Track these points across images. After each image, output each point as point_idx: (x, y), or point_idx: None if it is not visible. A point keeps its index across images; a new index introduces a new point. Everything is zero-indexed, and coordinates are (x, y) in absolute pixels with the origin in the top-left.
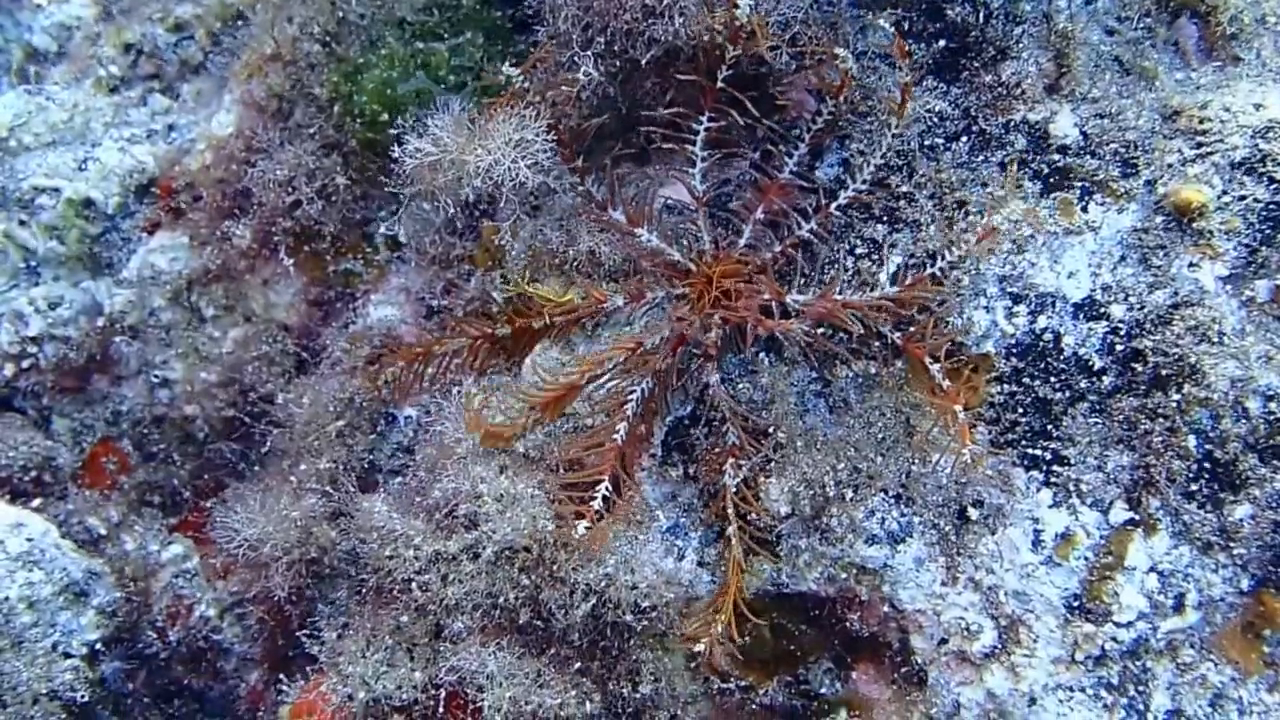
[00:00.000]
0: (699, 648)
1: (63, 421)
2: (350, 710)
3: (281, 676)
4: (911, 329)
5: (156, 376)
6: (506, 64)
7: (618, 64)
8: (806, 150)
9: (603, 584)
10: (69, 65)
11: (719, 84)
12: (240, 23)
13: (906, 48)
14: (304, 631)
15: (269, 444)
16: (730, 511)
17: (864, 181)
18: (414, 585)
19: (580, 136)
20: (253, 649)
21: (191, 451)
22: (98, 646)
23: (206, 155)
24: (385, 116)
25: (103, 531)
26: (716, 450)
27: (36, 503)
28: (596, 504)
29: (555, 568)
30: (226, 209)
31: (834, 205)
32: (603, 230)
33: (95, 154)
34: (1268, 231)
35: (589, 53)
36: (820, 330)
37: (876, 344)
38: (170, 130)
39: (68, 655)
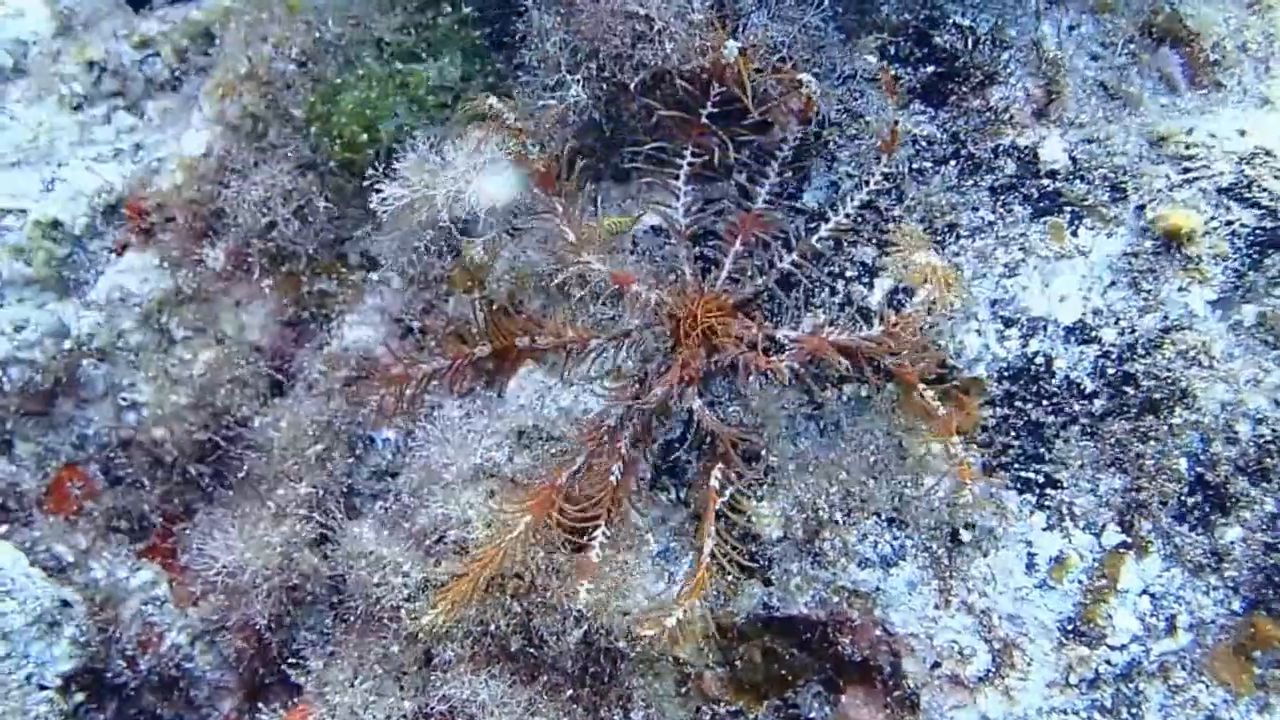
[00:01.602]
0: (646, 632)
1: (26, 446)
2: None
3: (260, 706)
4: (902, 352)
5: (124, 399)
6: (491, 98)
7: (604, 88)
8: (777, 180)
9: (594, 610)
10: (29, 82)
11: (704, 118)
12: (207, 40)
13: (894, 80)
14: (289, 660)
15: (245, 468)
16: (710, 513)
17: (846, 215)
18: (403, 612)
19: (566, 163)
20: (226, 676)
21: (160, 476)
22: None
23: (178, 175)
24: (364, 137)
25: (70, 559)
26: (706, 469)
27: (2, 530)
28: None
29: (547, 594)
30: (199, 230)
31: (815, 238)
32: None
33: (62, 174)
34: (1255, 256)
35: (577, 76)
36: (810, 364)
37: (868, 368)
38: (137, 149)
39: (42, 687)
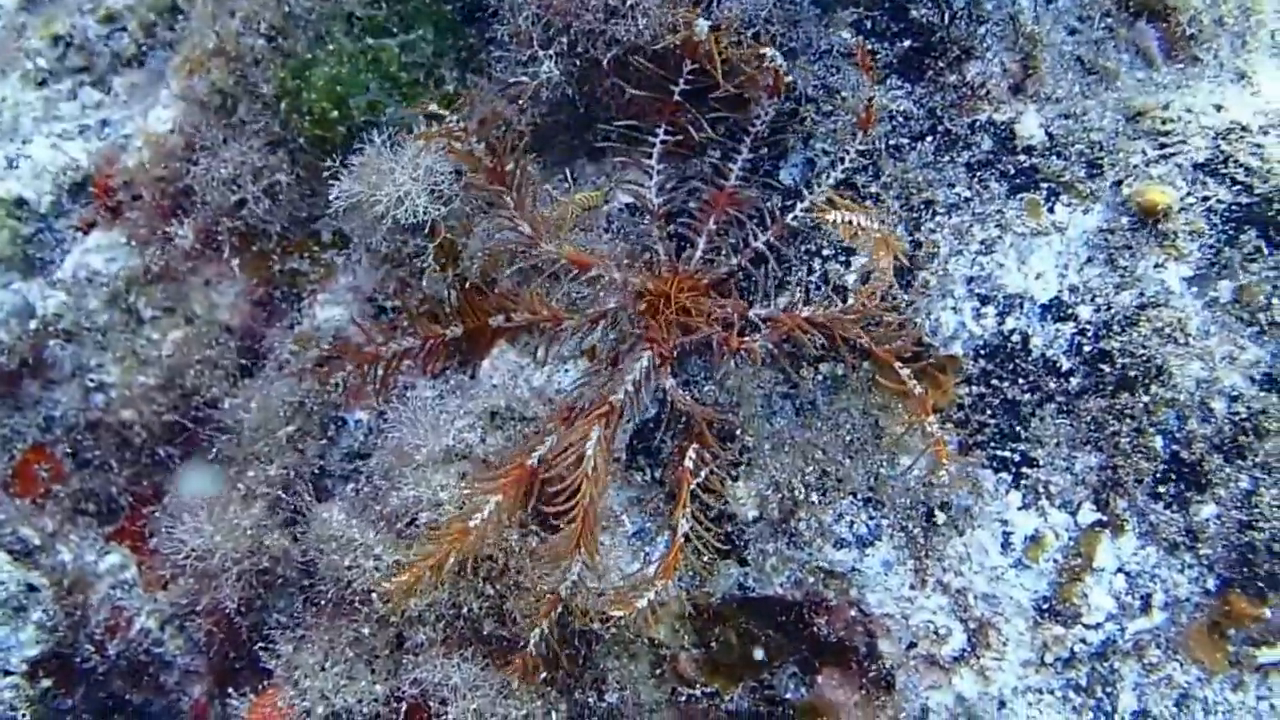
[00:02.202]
0: (617, 612)
1: None
2: None
3: (230, 690)
4: (878, 330)
5: (92, 381)
6: (432, 104)
7: (577, 63)
8: (750, 157)
9: (569, 592)
10: None
11: (676, 96)
12: (175, 15)
13: (870, 56)
14: (259, 645)
15: (215, 450)
16: (684, 493)
17: (822, 193)
18: (374, 596)
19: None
20: (196, 661)
21: (129, 458)
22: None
23: (145, 152)
24: (335, 114)
25: (37, 542)
26: (681, 449)
27: None
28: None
29: (520, 577)
30: (167, 208)
31: (789, 217)
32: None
33: (26, 151)
34: (1230, 233)
35: (549, 51)
36: (785, 344)
37: (843, 346)
38: (104, 126)
39: (7, 672)
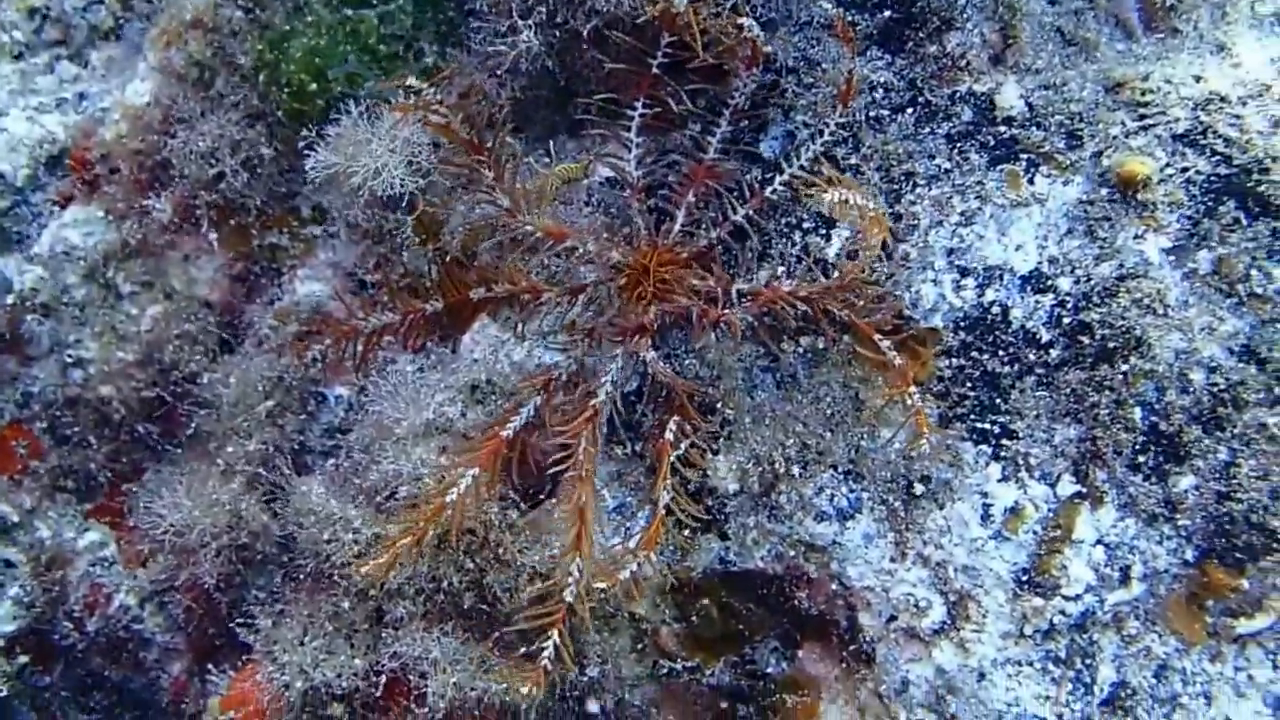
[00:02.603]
0: (600, 584)
1: None
2: (287, 699)
3: (209, 667)
4: (859, 303)
5: (70, 356)
6: (410, 78)
7: (557, 35)
8: (729, 130)
9: (549, 566)
10: None
11: (654, 69)
12: None
13: (849, 28)
14: (237, 620)
15: (194, 426)
16: (665, 466)
17: (801, 167)
18: (353, 569)
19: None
20: (176, 638)
21: (108, 434)
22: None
23: (122, 125)
24: (314, 86)
25: (15, 519)
26: (661, 422)
27: None
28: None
29: (500, 550)
30: (145, 182)
31: (769, 190)
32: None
33: (2, 124)
34: (1209, 204)
35: (529, 22)
36: (766, 317)
37: (824, 320)
38: (81, 99)
39: None
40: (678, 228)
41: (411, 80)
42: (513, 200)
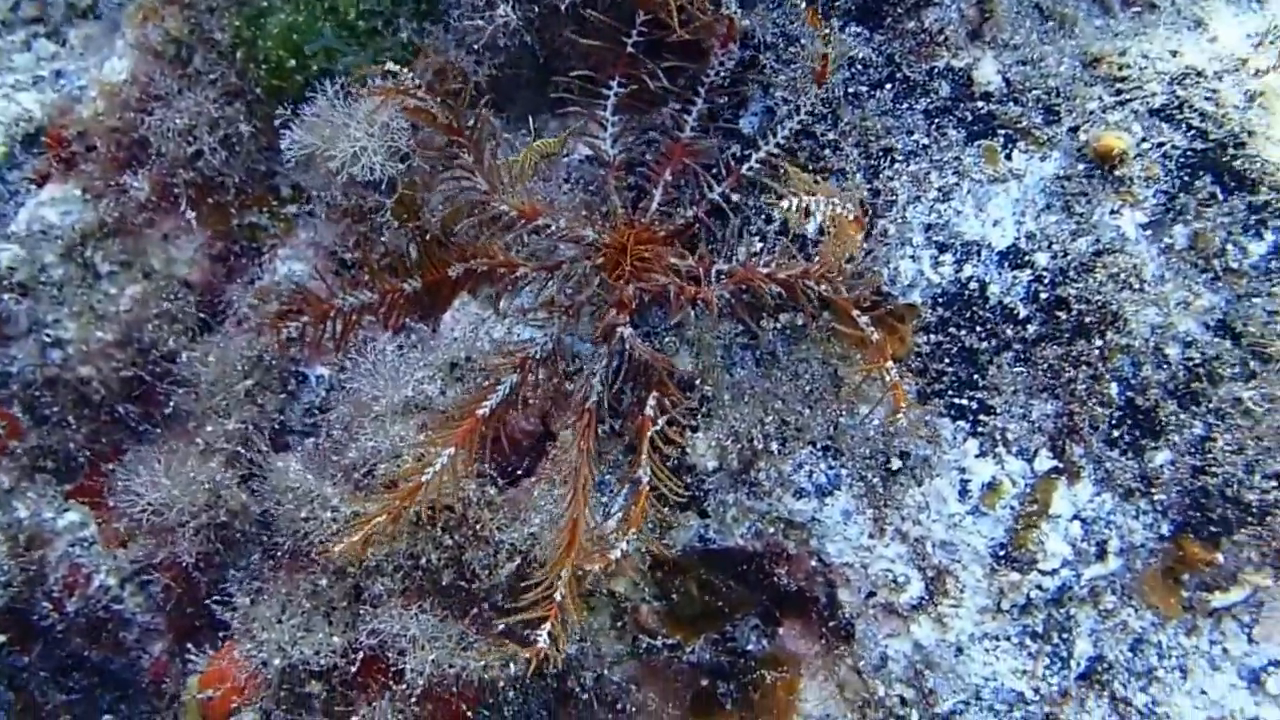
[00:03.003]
0: (592, 566)
1: None
2: (265, 677)
3: (189, 647)
4: (837, 279)
5: (48, 336)
6: (390, 64)
7: (535, 10)
8: (705, 107)
9: (528, 543)
10: None
11: (629, 48)
12: None
13: (817, 14)
14: (214, 598)
15: (172, 405)
16: (645, 442)
17: (778, 145)
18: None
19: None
20: (156, 619)
21: (87, 414)
22: None
23: (99, 103)
24: (292, 63)
25: None
26: (640, 399)
27: None
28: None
29: (479, 527)
30: (122, 160)
31: (745, 168)
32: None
33: None
34: (1185, 178)
35: None
36: (744, 294)
37: (802, 297)
38: (58, 77)
39: None
40: (655, 206)
41: (391, 66)
42: (490, 182)
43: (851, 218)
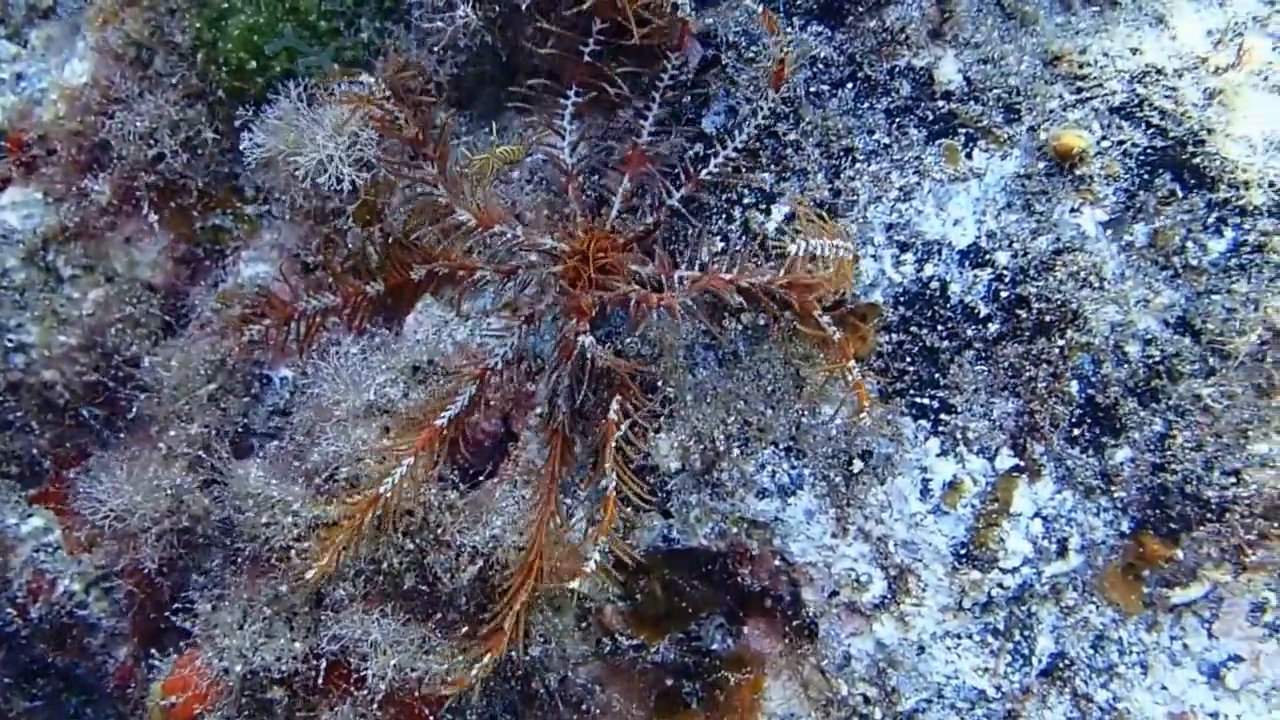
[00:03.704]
0: (573, 585)
1: None
2: (226, 684)
3: (153, 652)
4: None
5: (11, 341)
6: (363, 74)
7: (497, 9)
8: (662, 112)
9: (490, 546)
10: None
11: (587, 57)
12: None
13: (774, 18)
14: (175, 606)
15: (135, 410)
16: (610, 446)
17: (736, 150)
18: (293, 553)
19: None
20: (121, 624)
21: (51, 419)
22: None
23: (60, 106)
24: (253, 64)
25: None
26: (603, 403)
27: None
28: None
29: (440, 531)
30: (83, 163)
31: (704, 172)
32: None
33: None
34: (1145, 176)
35: None
36: (706, 295)
37: (764, 298)
38: (19, 79)
39: None
40: (615, 212)
41: (364, 76)
42: (451, 193)
43: (851, 257)
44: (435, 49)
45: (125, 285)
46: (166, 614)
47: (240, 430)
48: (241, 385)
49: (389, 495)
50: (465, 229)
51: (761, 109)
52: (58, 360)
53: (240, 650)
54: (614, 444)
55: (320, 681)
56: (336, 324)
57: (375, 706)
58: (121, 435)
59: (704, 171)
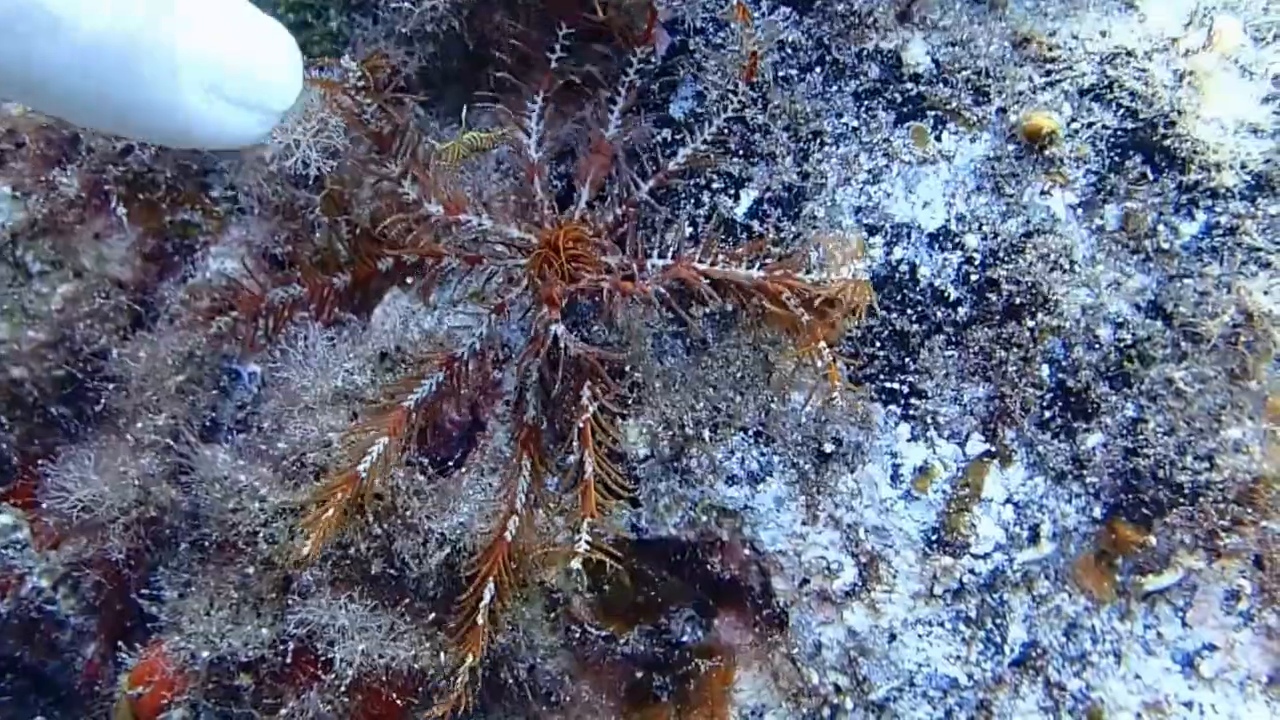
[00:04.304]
0: (575, 564)
1: None
2: (193, 670)
3: (120, 645)
4: (768, 262)
5: None
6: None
7: None
8: (628, 104)
9: (458, 533)
10: None
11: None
12: None
13: (747, 10)
14: (143, 591)
15: (103, 402)
16: (587, 432)
17: (704, 142)
18: (260, 538)
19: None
20: (90, 621)
21: (20, 416)
22: None
23: None
24: None
25: None
26: (572, 390)
27: None
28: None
29: (408, 515)
30: (52, 157)
31: (672, 164)
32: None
33: None
34: (1116, 158)
35: None
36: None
37: (734, 287)
38: None
39: None
40: (582, 203)
41: (347, 60)
42: (420, 186)
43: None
44: (402, 34)
45: (94, 280)
46: (133, 608)
47: (208, 425)
48: (210, 379)
49: (367, 473)
50: (433, 220)
51: (731, 103)
52: (26, 356)
53: (207, 636)
54: (588, 429)
55: (287, 667)
56: (305, 317)
57: (342, 692)
58: (90, 429)
59: (671, 163)
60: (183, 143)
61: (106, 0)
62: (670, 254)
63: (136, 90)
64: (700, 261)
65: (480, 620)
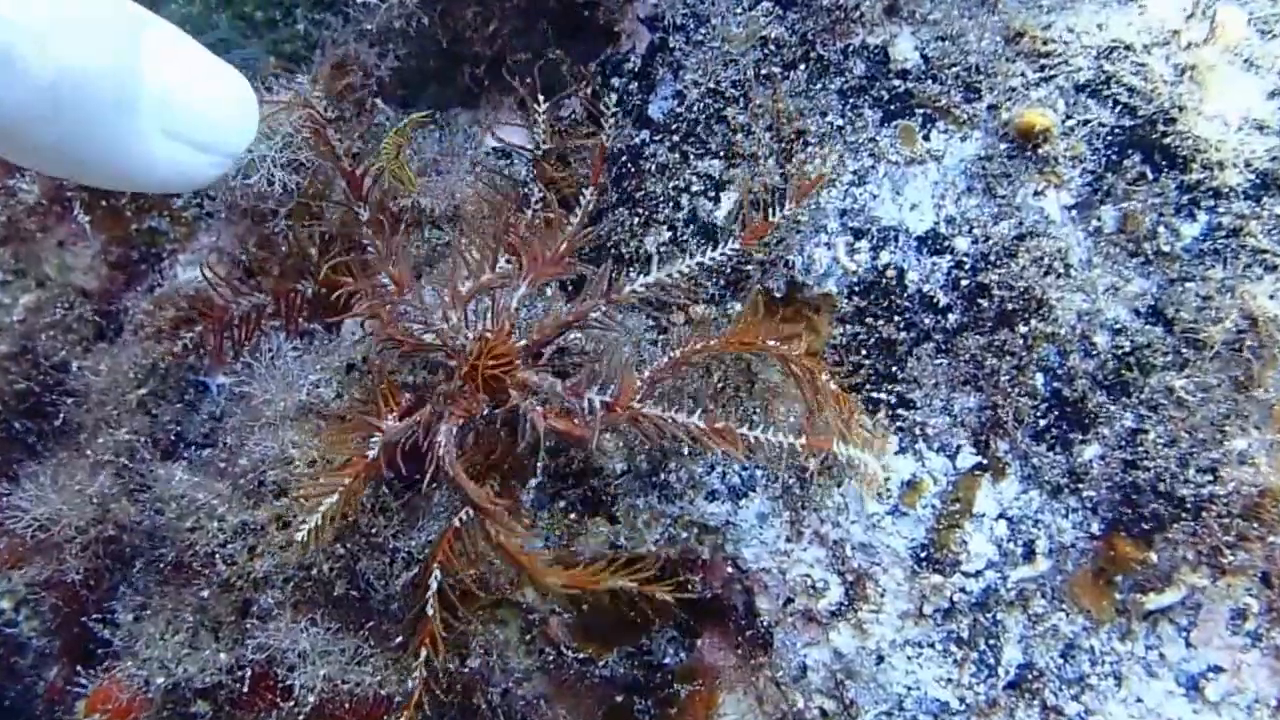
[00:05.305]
0: (612, 583)
1: None
2: (148, 697)
3: (79, 669)
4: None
5: None
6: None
7: None
8: (577, 229)
9: (425, 551)
10: None
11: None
12: None
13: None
14: (96, 616)
15: (62, 416)
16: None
17: (669, 276)
18: (218, 559)
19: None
20: (51, 644)
21: None
22: None
23: None
24: None
25: None
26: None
27: None
28: None
29: (373, 534)
30: (9, 163)
31: (628, 289)
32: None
33: None
34: (1113, 157)
35: None
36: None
37: (711, 288)
38: None
39: None
40: (513, 305)
41: (300, 78)
42: (378, 249)
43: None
44: (371, 33)
45: (57, 290)
46: (91, 629)
47: (173, 439)
48: (174, 391)
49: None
50: (381, 289)
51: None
52: None
53: (162, 661)
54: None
55: (245, 694)
56: (275, 326)
57: None
58: (49, 445)
59: (628, 290)
60: (139, 186)
61: (72, 41)
62: (609, 390)
63: (96, 132)
64: (638, 399)
65: (430, 610)
